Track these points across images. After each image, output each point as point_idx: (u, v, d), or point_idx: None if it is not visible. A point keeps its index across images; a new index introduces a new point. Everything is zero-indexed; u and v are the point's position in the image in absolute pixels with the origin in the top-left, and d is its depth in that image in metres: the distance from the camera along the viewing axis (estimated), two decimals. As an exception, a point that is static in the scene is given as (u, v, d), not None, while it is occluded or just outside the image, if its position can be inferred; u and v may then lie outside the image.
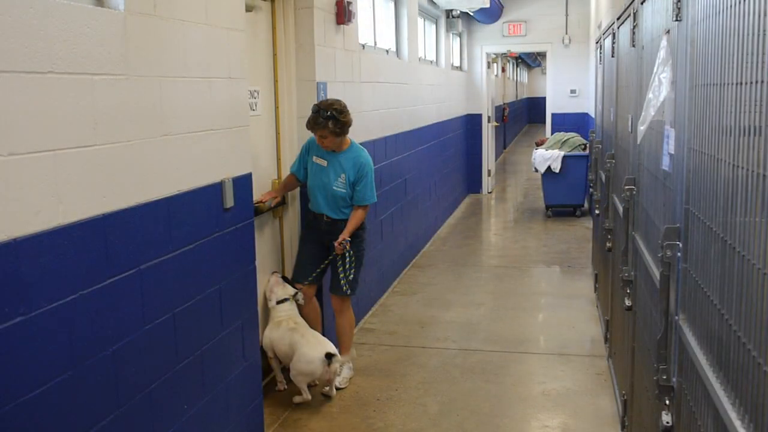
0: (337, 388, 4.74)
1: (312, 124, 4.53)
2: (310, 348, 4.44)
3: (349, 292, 4.82)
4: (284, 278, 4.77)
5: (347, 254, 4.73)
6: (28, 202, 2.25)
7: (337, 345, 4.79)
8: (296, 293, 4.72)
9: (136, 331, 2.82)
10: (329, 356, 4.41)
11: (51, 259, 2.34)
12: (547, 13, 12.71)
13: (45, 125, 2.32)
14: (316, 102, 4.75)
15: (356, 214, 4.74)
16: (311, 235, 4.90)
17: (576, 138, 10.57)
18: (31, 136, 2.26)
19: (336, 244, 4.68)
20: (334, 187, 4.71)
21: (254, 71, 4.48)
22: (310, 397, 4.50)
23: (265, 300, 4.67)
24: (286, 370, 4.68)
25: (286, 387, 4.73)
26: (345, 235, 4.67)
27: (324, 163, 4.74)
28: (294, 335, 4.49)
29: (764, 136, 1.39)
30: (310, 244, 4.90)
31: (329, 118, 4.49)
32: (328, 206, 4.77)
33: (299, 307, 4.78)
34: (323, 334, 4.77)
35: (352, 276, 4.79)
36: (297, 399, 4.52)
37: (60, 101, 2.39)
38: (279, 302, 4.63)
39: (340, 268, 4.76)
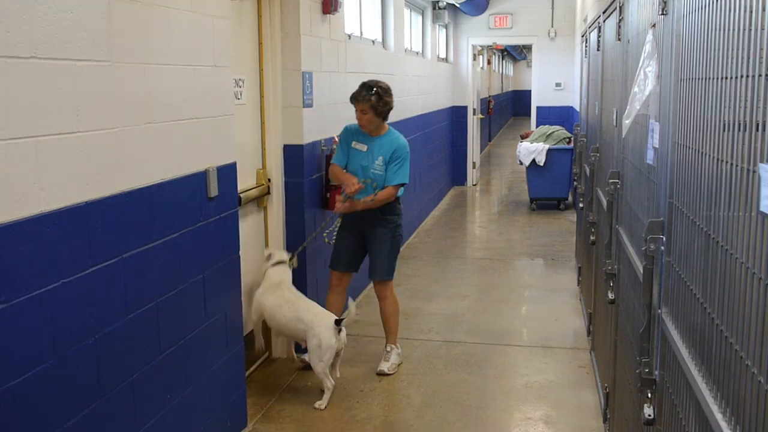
0: (386, 374, 4.80)
1: (356, 95, 4.73)
2: (318, 314, 4.44)
3: (385, 276, 4.92)
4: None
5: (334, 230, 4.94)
6: (9, 188, 2.22)
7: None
8: (292, 257, 4.80)
9: (119, 320, 2.80)
10: (338, 323, 4.39)
11: (33, 247, 2.32)
12: (534, 6, 12.71)
13: (27, 111, 2.29)
14: (301, 91, 4.81)
15: (383, 192, 4.78)
16: (348, 223, 4.95)
17: (561, 131, 10.60)
18: (13, 122, 2.23)
19: (339, 197, 4.77)
20: (373, 171, 4.79)
21: (239, 60, 4.45)
22: (333, 382, 4.40)
23: (250, 290, 4.67)
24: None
25: (263, 347, 4.76)
26: (358, 203, 4.73)
27: (364, 147, 4.84)
28: (293, 305, 4.47)
29: (748, 131, 1.40)
30: (347, 232, 4.97)
31: (374, 94, 4.67)
32: (365, 190, 4.80)
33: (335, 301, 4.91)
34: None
35: (327, 232, 5.04)
36: (321, 403, 4.35)
37: (42, 87, 2.36)
38: (274, 264, 4.64)
39: (325, 230, 4.97)
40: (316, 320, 4.40)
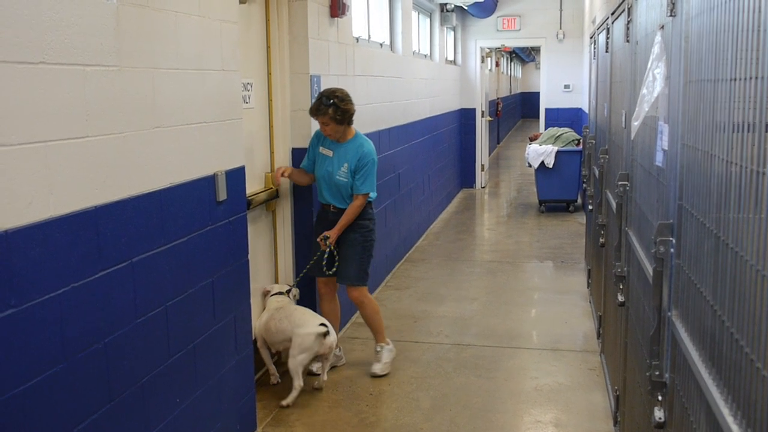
0: (378, 375, 4.81)
1: (314, 110, 4.64)
2: (307, 318, 4.46)
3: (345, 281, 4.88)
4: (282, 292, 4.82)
5: (334, 251, 4.77)
6: (19, 193, 2.23)
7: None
8: (290, 289, 4.78)
9: (129, 324, 2.81)
10: (324, 328, 4.41)
11: (43, 251, 2.33)
12: (542, 8, 12.70)
13: (37, 116, 2.30)
14: (309, 95, 4.78)
15: (352, 205, 4.77)
16: (321, 228, 4.92)
17: (569, 133, 10.58)
18: (23, 127, 2.25)
19: (318, 239, 4.73)
20: (337, 177, 4.77)
21: (247, 64, 4.46)
22: (302, 383, 4.40)
23: (260, 296, 4.71)
24: (279, 365, 4.67)
25: (279, 381, 4.72)
26: (333, 232, 4.71)
27: (330, 153, 4.81)
28: (286, 310, 4.51)
29: (758, 133, 1.39)
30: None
31: (330, 105, 4.58)
32: (332, 196, 4.83)
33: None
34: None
35: (331, 272, 4.83)
36: (286, 401, 4.38)
37: (52, 92, 2.37)
38: (272, 295, 4.68)
39: (325, 260, 4.79)
40: (301, 322, 4.43)
